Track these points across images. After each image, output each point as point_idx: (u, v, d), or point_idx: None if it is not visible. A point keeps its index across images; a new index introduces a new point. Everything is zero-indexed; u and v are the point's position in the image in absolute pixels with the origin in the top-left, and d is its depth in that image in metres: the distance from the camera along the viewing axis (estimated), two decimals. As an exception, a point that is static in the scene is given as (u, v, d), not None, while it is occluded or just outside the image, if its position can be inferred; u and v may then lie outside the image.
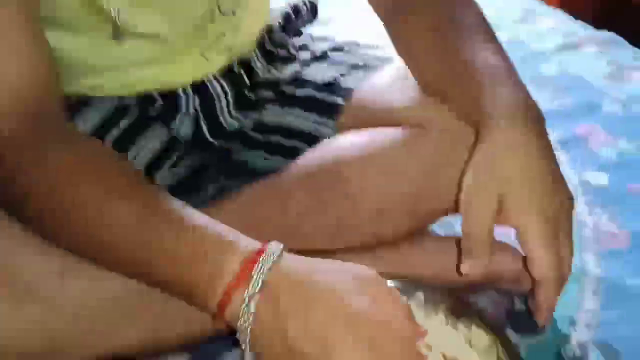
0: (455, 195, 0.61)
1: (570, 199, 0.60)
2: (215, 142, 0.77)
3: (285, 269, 0.51)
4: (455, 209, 0.61)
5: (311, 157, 0.71)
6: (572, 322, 0.71)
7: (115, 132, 0.71)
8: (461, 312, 0.62)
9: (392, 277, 0.61)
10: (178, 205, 0.55)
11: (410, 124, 0.68)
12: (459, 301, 0.63)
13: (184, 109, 0.75)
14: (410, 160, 0.67)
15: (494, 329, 0.61)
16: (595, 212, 0.86)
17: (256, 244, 0.53)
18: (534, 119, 0.60)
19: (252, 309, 0.50)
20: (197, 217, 0.55)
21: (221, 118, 0.78)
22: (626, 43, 1.24)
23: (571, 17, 1.37)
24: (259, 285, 0.50)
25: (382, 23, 0.73)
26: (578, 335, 0.69)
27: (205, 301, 0.52)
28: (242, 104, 0.79)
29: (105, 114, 0.71)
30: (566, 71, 1.17)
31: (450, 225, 0.80)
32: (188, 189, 0.75)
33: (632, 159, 0.98)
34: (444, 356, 0.55)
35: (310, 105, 0.77)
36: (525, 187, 0.57)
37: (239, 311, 0.51)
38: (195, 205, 0.57)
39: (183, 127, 0.76)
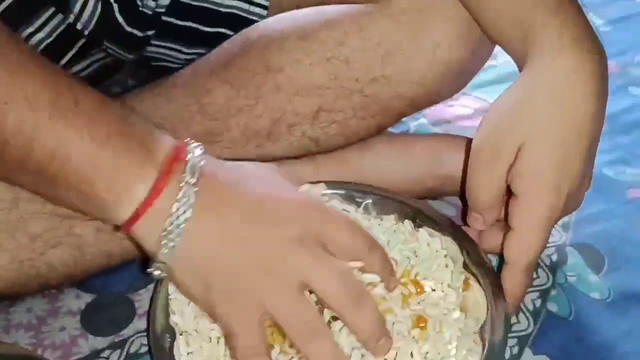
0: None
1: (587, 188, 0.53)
2: (128, 28, 0.65)
3: (211, 177, 0.44)
4: (467, 150, 0.53)
5: (236, 42, 0.61)
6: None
7: None
8: (422, 220, 0.56)
9: (338, 186, 0.57)
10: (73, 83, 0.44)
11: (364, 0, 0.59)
12: (424, 209, 0.57)
13: None
14: (360, 44, 0.58)
15: (462, 238, 0.54)
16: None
17: (171, 144, 0.45)
18: (599, 54, 0.49)
19: (182, 221, 0.42)
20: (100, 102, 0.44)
21: None
22: None
23: None
24: (190, 198, 0.42)
25: None
26: (553, 238, 0.63)
27: (112, 210, 0.43)
28: None
29: None
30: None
31: (404, 123, 0.73)
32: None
33: (602, 35, 0.87)
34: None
35: None
36: (553, 152, 0.48)
37: (157, 226, 0.42)
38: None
39: (85, 11, 0.62)
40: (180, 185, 0.42)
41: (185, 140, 0.45)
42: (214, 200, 0.43)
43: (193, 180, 0.42)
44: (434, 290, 0.50)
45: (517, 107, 0.49)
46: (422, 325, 0.47)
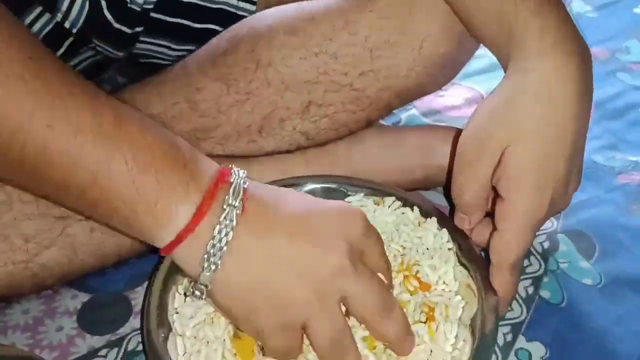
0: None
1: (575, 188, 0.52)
2: (116, 25, 0.64)
3: (253, 198, 0.43)
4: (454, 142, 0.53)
5: (224, 38, 0.61)
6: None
7: None
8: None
9: (326, 180, 0.57)
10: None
11: None
12: (416, 202, 0.56)
13: None
14: (348, 39, 0.58)
15: (454, 231, 0.54)
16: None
17: (215, 167, 0.44)
18: (582, 56, 0.49)
19: (221, 252, 0.41)
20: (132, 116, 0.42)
21: None
22: None
23: None
24: (233, 220, 0.41)
25: None
26: (545, 225, 0.60)
27: (153, 233, 0.43)
28: None
29: None
30: None
31: (395, 114, 0.73)
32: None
33: (590, 21, 0.91)
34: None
35: None
36: (536, 154, 0.48)
37: (199, 249, 0.41)
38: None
39: (73, 9, 0.62)
40: (224, 207, 0.41)
41: (230, 165, 0.44)
42: (256, 221, 0.42)
43: (236, 203, 0.42)
44: (437, 282, 0.50)
45: (500, 111, 0.49)
46: (430, 314, 0.48)
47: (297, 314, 0.42)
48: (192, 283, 0.43)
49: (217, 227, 0.41)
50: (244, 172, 0.44)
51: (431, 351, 0.46)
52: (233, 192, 0.42)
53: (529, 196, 0.48)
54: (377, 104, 0.60)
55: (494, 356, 0.52)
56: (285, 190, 0.46)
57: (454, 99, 0.78)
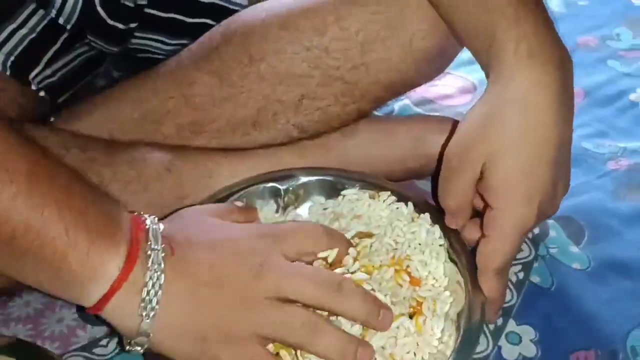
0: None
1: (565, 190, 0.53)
2: (110, 22, 0.64)
3: (170, 238, 0.45)
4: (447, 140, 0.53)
5: (217, 33, 0.61)
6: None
7: None
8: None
9: (322, 172, 0.58)
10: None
11: None
12: (410, 196, 0.57)
13: None
14: (339, 33, 0.58)
15: (445, 225, 0.54)
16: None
17: (128, 214, 0.45)
18: (559, 63, 0.49)
19: (154, 303, 0.42)
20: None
21: None
22: None
23: None
24: (161, 263, 0.43)
25: None
26: None
27: (83, 286, 0.43)
28: None
29: None
30: None
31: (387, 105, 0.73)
32: (71, 87, 0.63)
33: (580, 9, 0.91)
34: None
35: None
36: (519, 163, 0.48)
37: (133, 299, 0.42)
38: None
39: (67, 5, 0.62)
40: (148, 253, 0.42)
41: (131, 211, 0.45)
42: (177, 259, 0.44)
43: (158, 246, 0.43)
44: (426, 277, 0.51)
45: (479, 123, 0.50)
46: (418, 308, 0.48)
47: (240, 330, 0.44)
48: (129, 340, 0.44)
49: (148, 272, 0.42)
50: (153, 217, 0.45)
51: (417, 344, 0.47)
52: (153, 237, 0.43)
53: (517, 205, 0.48)
54: (368, 97, 0.60)
55: (485, 340, 0.53)
56: (187, 216, 0.49)
57: (446, 88, 0.78)
